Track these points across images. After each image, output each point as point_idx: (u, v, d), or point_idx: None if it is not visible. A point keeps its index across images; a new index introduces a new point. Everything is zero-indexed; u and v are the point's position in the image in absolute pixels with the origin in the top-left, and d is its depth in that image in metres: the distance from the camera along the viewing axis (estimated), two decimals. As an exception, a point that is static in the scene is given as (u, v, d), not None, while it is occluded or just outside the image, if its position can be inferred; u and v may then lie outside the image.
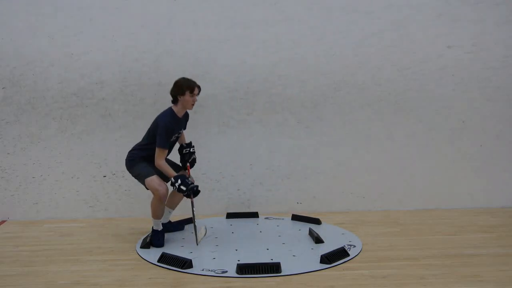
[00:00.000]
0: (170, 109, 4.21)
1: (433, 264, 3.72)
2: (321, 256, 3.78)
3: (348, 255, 3.91)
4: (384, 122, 5.21)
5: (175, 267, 3.71)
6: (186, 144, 4.48)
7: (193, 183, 4.09)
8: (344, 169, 5.25)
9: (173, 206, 4.54)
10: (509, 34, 5.12)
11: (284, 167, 5.24)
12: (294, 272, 3.61)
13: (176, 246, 4.20)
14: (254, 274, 3.57)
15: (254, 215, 5.09)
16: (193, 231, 4.22)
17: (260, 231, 4.62)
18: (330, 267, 3.70)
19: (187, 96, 4.11)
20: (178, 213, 4.86)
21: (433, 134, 5.22)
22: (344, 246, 4.04)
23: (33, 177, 5.14)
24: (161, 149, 4.08)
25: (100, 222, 5.02)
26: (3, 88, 5.06)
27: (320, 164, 5.25)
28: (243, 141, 5.21)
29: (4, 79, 5.04)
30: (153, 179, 4.09)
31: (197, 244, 4.12)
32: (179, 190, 4.00)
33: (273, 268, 3.60)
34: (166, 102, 5.04)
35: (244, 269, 3.61)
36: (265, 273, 3.57)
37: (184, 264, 3.69)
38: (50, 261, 3.94)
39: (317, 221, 4.79)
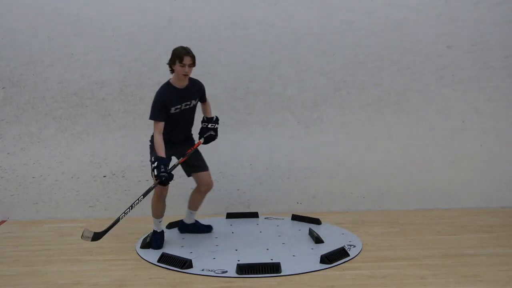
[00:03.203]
0: (167, 81, 4.09)
1: (433, 264, 3.72)
2: (321, 256, 3.79)
3: (348, 255, 3.91)
4: (384, 122, 5.21)
5: (175, 267, 3.71)
6: (207, 118, 4.34)
7: (167, 173, 3.80)
8: (344, 169, 5.25)
9: (194, 208, 4.47)
10: (509, 34, 5.11)
11: (284, 167, 5.24)
12: (294, 272, 3.61)
13: (176, 246, 4.20)
14: (254, 274, 3.57)
15: (254, 215, 5.09)
16: (120, 216, 3.96)
17: (260, 231, 4.62)
18: (330, 267, 3.70)
19: (177, 65, 3.91)
20: (181, 213, 4.87)
21: (433, 134, 5.22)
22: (344, 246, 4.04)
23: (33, 177, 5.14)
24: (154, 122, 3.94)
25: (100, 222, 5.00)
26: (3, 88, 5.06)
27: (320, 164, 5.25)
28: (243, 141, 5.21)
29: (4, 79, 5.04)
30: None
31: (103, 233, 3.84)
32: (152, 171, 3.86)
33: (273, 268, 3.61)
34: (166, 102, 5.05)
35: (244, 269, 3.61)
36: (265, 273, 3.58)
37: (184, 264, 3.70)
38: (50, 261, 3.95)
39: (317, 221, 4.79)
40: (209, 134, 4.31)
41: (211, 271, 3.65)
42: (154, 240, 4.16)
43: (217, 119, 4.40)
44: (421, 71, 5.16)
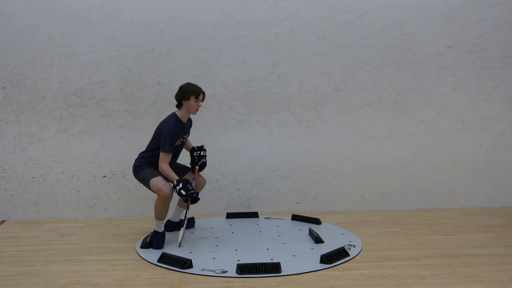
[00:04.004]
0: (174, 114, 4.25)
1: (433, 264, 3.72)
2: (321, 256, 3.78)
3: (348, 255, 3.91)
4: (384, 122, 5.21)
5: (175, 267, 3.71)
6: (197, 147, 4.57)
7: (194, 189, 4.06)
8: (344, 169, 5.25)
9: (184, 205, 4.51)
10: (509, 34, 5.12)
11: (284, 167, 5.24)
12: (294, 272, 3.61)
13: (176, 246, 4.20)
14: (254, 274, 3.57)
15: (254, 215, 5.09)
16: (180, 235, 4.17)
17: (260, 231, 4.62)
18: (330, 267, 3.70)
19: (192, 101, 4.16)
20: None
21: (433, 134, 5.22)
22: (344, 246, 4.04)
23: (33, 177, 5.15)
24: (165, 154, 4.10)
25: (100, 222, 5.02)
26: (3, 88, 5.06)
27: (320, 164, 5.25)
28: (243, 141, 5.21)
29: (4, 79, 5.04)
30: (158, 180, 4.10)
31: (179, 246, 4.13)
32: (179, 193, 4.00)
33: (273, 268, 3.61)
34: (166, 102, 5.07)
35: (244, 269, 3.61)
36: (265, 273, 3.57)
37: (184, 264, 3.70)
38: (50, 261, 3.95)
39: (317, 221, 4.79)
40: (202, 161, 4.52)
41: (211, 271, 3.65)
42: (155, 240, 4.17)
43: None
44: (421, 71, 5.16)
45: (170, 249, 4.06)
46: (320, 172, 5.26)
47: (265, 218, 5.05)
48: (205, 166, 4.56)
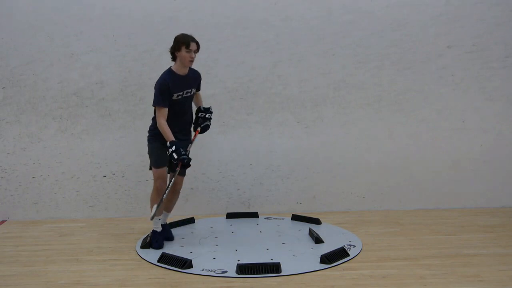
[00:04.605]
0: (169, 68, 4.13)
1: (433, 264, 3.72)
2: (321, 256, 3.78)
3: (348, 255, 3.91)
4: (384, 122, 5.21)
5: (175, 267, 3.71)
6: (204, 108, 4.35)
7: (186, 154, 3.91)
8: (344, 169, 5.25)
9: (167, 209, 4.39)
10: (509, 34, 5.12)
11: (284, 167, 5.24)
12: (294, 272, 3.61)
13: (176, 246, 4.20)
14: (254, 274, 3.57)
15: (254, 215, 5.09)
16: (154, 208, 3.94)
17: (260, 231, 4.62)
18: (330, 267, 3.70)
19: (183, 51, 3.97)
20: (180, 213, 4.87)
21: (433, 134, 5.22)
22: (344, 246, 4.04)
23: (33, 177, 5.14)
24: (158, 108, 3.97)
25: (100, 222, 5.02)
26: (3, 88, 5.06)
27: (320, 164, 5.25)
28: (243, 141, 5.21)
29: (4, 79, 5.04)
30: (157, 170, 4.07)
31: (150, 219, 3.96)
32: (170, 156, 3.89)
33: (273, 268, 3.60)
34: (166, 102, 5.06)
35: (244, 269, 3.61)
36: (265, 273, 3.57)
37: (184, 264, 3.69)
38: (50, 261, 3.95)
39: (317, 221, 4.79)
40: (206, 124, 4.34)
41: (211, 271, 3.65)
42: (154, 240, 4.16)
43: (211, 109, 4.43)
44: (421, 71, 5.16)
45: (170, 249, 4.05)
46: (320, 172, 5.26)
47: (265, 218, 5.04)
48: (208, 129, 4.35)
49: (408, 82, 5.17)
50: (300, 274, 3.58)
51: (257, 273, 3.58)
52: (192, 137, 4.28)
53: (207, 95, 5.05)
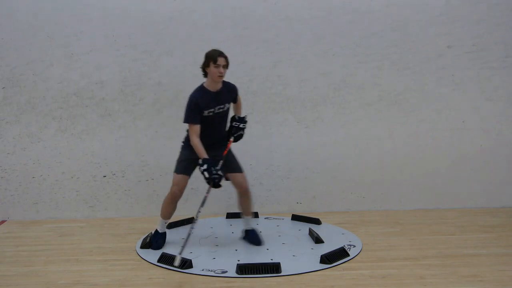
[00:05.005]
0: (201, 84, 4.07)
1: (433, 264, 3.72)
2: (321, 256, 3.78)
3: (348, 255, 3.91)
4: (384, 122, 5.21)
5: (175, 267, 3.70)
6: (239, 117, 4.30)
7: (218, 174, 3.82)
8: (344, 169, 5.25)
9: (244, 213, 4.31)
10: (509, 34, 5.12)
11: (284, 167, 5.24)
12: (294, 272, 3.61)
13: (176, 246, 4.19)
14: (254, 274, 3.57)
15: (254, 215, 5.08)
16: (189, 232, 3.85)
17: (260, 231, 4.61)
18: (330, 267, 3.70)
19: (212, 67, 3.91)
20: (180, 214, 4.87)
21: (433, 134, 5.22)
22: (344, 246, 4.04)
23: (33, 177, 5.14)
24: (190, 125, 3.96)
25: (100, 222, 5.02)
26: (3, 88, 5.06)
27: (320, 164, 5.25)
28: (243, 141, 5.19)
29: (4, 79, 5.04)
30: (177, 176, 4.05)
31: (179, 254, 3.70)
32: (202, 174, 3.85)
33: (273, 268, 3.61)
34: (166, 102, 5.08)
35: (244, 269, 3.61)
36: (265, 273, 3.57)
37: (184, 264, 3.69)
38: (50, 261, 3.95)
39: (317, 221, 4.79)
40: (239, 133, 4.30)
41: (211, 271, 3.65)
42: (154, 241, 4.16)
43: (246, 118, 4.37)
44: (421, 71, 5.16)
45: (170, 249, 4.05)
46: (320, 172, 5.26)
47: (265, 218, 5.04)
48: (241, 138, 4.30)
49: (408, 82, 5.17)
50: (300, 274, 3.58)
51: (257, 273, 3.58)
52: (226, 147, 4.20)
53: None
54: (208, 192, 3.98)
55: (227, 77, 5.13)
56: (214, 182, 3.80)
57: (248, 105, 5.15)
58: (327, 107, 5.18)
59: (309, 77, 5.16)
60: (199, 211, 3.93)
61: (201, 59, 5.06)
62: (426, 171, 5.25)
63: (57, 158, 5.14)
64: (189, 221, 4.84)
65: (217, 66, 3.91)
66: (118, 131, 5.14)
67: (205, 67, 3.98)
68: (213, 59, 3.90)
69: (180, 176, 4.07)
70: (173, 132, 5.07)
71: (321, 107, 5.19)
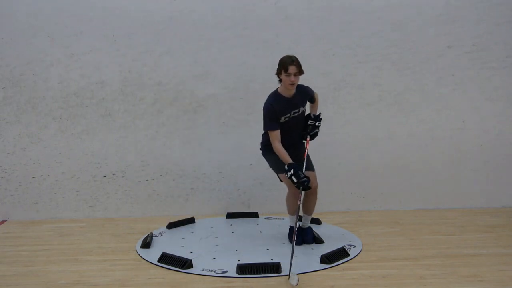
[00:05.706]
0: (275, 89, 4.11)
1: (433, 264, 3.72)
2: (321, 256, 3.79)
3: (348, 255, 3.91)
4: (384, 122, 5.21)
5: (175, 267, 3.71)
6: (313, 115, 4.31)
7: (305, 177, 3.86)
8: (344, 169, 5.25)
9: (306, 211, 4.30)
10: (509, 34, 5.11)
11: (284, 167, 5.23)
12: (294, 272, 3.60)
13: (176, 246, 4.20)
14: (254, 274, 3.57)
15: (254, 215, 5.09)
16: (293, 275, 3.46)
17: (260, 231, 4.62)
18: (330, 267, 3.70)
19: (283, 75, 3.93)
20: (180, 213, 4.87)
21: (433, 134, 5.22)
22: (344, 246, 4.04)
23: (33, 177, 5.14)
24: (270, 132, 4.00)
25: (100, 222, 5.02)
26: (3, 88, 5.06)
27: (320, 164, 5.23)
28: (243, 141, 5.20)
29: (4, 79, 5.04)
30: (285, 176, 4.01)
31: (289, 278, 3.47)
32: (290, 179, 3.88)
33: (273, 268, 3.60)
34: (166, 102, 5.08)
35: (244, 269, 3.61)
36: (265, 273, 3.57)
37: (184, 264, 3.69)
38: (50, 261, 3.95)
39: (317, 221, 4.79)
40: (315, 132, 4.32)
41: (211, 271, 3.65)
42: (291, 236, 4.12)
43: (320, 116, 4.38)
44: (421, 71, 5.16)
45: (170, 249, 4.05)
46: (320, 172, 5.22)
47: (265, 218, 5.05)
48: (316, 136, 4.33)
49: (408, 82, 5.17)
50: (300, 274, 3.58)
51: (257, 273, 3.57)
52: (305, 146, 4.25)
53: (207, 95, 5.06)
54: (300, 200, 4.02)
55: (229, 76, 5.14)
56: (303, 186, 3.86)
57: (248, 105, 5.15)
58: (327, 107, 5.18)
59: (309, 77, 5.14)
60: (297, 219, 3.98)
61: (201, 59, 5.10)
62: (426, 171, 5.24)
63: (57, 158, 5.14)
64: (189, 221, 4.85)
65: (288, 75, 3.91)
66: (118, 131, 5.14)
67: (278, 74, 4.00)
68: (284, 68, 3.91)
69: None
70: (173, 132, 5.08)
71: (321, 107, 5.17)
